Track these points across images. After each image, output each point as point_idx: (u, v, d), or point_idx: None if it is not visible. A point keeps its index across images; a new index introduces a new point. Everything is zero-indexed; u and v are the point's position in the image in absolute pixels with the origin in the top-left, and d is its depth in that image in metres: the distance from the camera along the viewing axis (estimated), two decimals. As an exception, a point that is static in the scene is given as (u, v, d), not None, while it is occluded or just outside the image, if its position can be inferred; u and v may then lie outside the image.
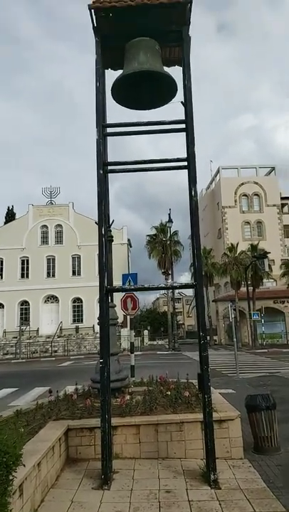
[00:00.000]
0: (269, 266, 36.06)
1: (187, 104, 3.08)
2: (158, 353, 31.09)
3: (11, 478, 2.97)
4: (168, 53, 3.45)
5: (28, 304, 39.90)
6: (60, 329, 37.97)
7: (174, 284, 4.83)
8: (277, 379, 13.15)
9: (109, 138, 3.92)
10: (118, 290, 4.07)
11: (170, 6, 2.99)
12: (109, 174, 4.00)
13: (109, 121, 4.82)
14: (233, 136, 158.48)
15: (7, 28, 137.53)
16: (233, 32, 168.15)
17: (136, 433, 5.31)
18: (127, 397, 5.91)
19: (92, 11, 3.06)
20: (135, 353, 12.39)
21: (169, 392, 6.03)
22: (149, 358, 25.12)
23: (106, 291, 3.06)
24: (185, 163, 3.06)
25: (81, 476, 4.68)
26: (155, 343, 43.80)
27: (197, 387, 5.23)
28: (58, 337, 36.39)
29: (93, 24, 3.11)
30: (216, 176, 52.59)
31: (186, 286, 3.43)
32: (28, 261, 40.99)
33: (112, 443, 4.88)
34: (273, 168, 50.85)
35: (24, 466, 3.28)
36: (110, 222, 6.63)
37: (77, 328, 38.25)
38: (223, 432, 5.21)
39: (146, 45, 3.12)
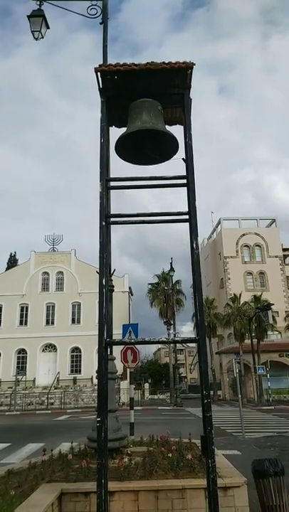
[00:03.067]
0: (273, 318, 35.59)
1: (188, 160, 3.16)
2: (159, 408, 29.85)
3: None
4: (170, 113, 3.60)
5: (26, 353, 39.00)
6: (57, 380, 36.78)
7: (176, 338, 4.68)
8: (286, 440, 12.47)
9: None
10: (118, 343, 3.94)
11: (172, 71, 3.17)
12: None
13: (112, 174, 4.93)
14: (234, 189, 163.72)
15: (20, 87, 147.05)
16: (232, 94, 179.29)
17: (135, 499, 4.91)
18: (126, 458, 5.55)
19: (98, 73, 3.23)
20: (135, 407, 11.86)
21: (170, 454, 5.66)
22: (149, 413, 24.06)
23: (105, 345, 2.95)
24: (186, 217, 3.08)
25: None
26: (156, 397, 42.12)
27: (200, 448, 4.92)
28: (55, 388, 35.15)
29: (99, 86, 3.28)
30: (217, 226, 53.46)
31: (188, 340, 3.32)
32: (27, 308, 40.60)
33: (109, 511, 4.50)
34: (274, 220, 51.72)
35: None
36: (112, 271, 6.61)
37: (74, 380, 37.07)
38: (228, 500, 4.81)
39: (149, 105, 3.28)
